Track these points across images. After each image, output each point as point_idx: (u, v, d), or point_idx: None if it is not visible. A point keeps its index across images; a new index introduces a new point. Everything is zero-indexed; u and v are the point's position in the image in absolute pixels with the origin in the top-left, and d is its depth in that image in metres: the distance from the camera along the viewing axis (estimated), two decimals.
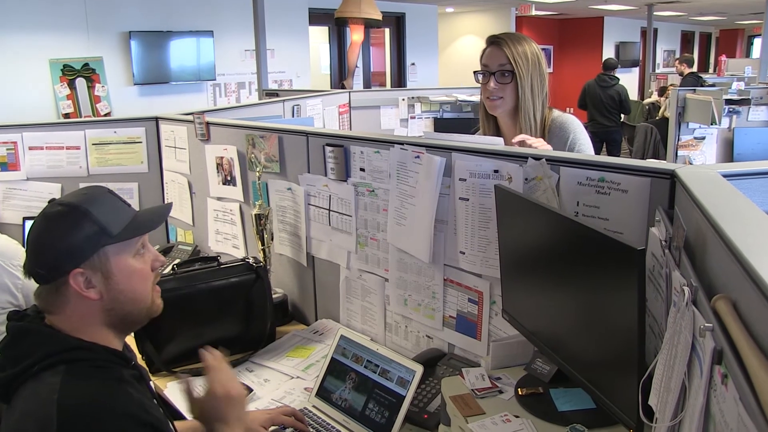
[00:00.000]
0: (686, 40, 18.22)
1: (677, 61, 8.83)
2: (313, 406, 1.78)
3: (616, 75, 8.08)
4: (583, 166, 1.44)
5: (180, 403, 1.83)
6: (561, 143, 2.00)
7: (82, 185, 2.99)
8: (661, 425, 0.92)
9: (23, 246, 2.77)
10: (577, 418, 1.25)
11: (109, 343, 1.26)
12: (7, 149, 3.03)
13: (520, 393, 1.37)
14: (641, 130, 7.32)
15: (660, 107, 7.57)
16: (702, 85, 6.08)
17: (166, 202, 3.09)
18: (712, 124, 3.96)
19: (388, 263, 2.01)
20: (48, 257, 1.21)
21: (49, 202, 1.28)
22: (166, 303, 1.37)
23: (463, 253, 1.74)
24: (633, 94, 13.29)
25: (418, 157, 1.79)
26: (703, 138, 4.16)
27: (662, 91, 8.29)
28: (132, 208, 1.33)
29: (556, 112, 2.07)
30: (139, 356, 1.99)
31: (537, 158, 1.52)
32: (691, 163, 3.91)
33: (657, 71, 13.77)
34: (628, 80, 14.39)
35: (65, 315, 1.23)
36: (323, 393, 1.78)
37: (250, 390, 1.87)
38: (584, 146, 2.01)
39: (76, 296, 1.22)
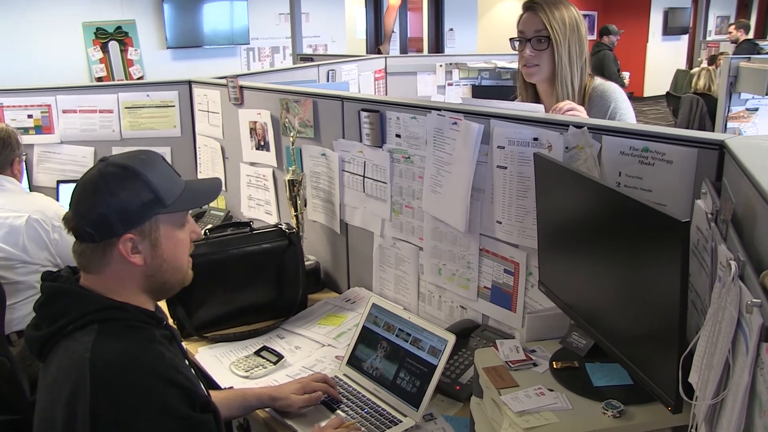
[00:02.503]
0: (743, 4, 17.53)
1: (732, 27, 8.52)
2: (344, 375, 1.80)
3: (605, 42, 7.97)
4: (626, 135, 1.41)
5: (212, 369, 1.87)
6: (601, 112, 1.96)
7: (114, 149, 3.07)
8: (702, 403, 0.91)
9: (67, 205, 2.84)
10: (613, 394, 1.25)
11: (141, 305, 1.28)
12: (42, 112, 3.08)
13: (554, 366, 1.37)
14: (686, 101, 7.12)
15: (696, 77, 7.25)
16: (758, 53, 5.88)
17: (198, 166, 3.12)
18: (767, 95, 3.82)
19: (423, 232, 2.00)
20: (100, 217, 1.21)
21: (100, 160, 1.28)
22: (197, 267, 1.40)
23: (500, 223, 1.73)
24: (681, 63, 12.92)
25: (455, 123, 1.77)
26: (756, 109, 4.03)
27: (712, 60, 8.02)
28: (181, 178, 1.34)
29: (598, 80, 2.03)
30: (170, 320, 2.02)
31: (578, 126, 1.49)
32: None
33: (708, 39, 13.35)
34: (677, 48, 14.00)
35: (103, 276, 1.26)
36: (354, 361, 1.80)
37: (280, 357, 1.90)
38: (626, 115, 1.96)
39: (119, 259, 1.24)
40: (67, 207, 1.27)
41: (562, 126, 1.53)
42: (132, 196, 1.22)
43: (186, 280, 1.36)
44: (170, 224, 1.28)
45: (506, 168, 1.67)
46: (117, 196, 1.22)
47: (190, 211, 1.36)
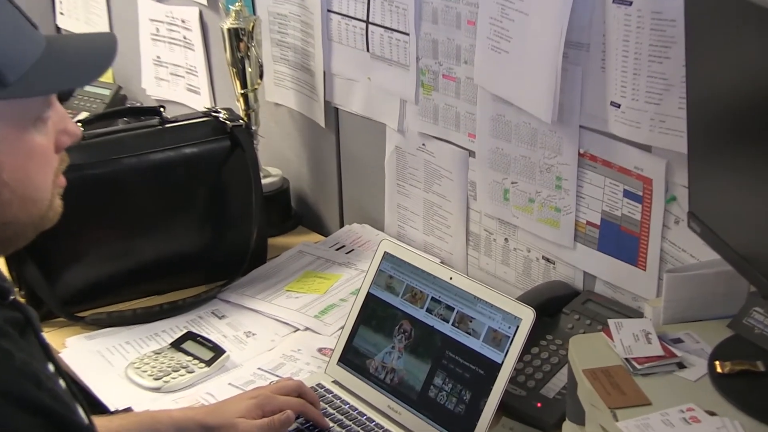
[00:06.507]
0: None
1: None
2: (334, 382, 1.80)
3: None
4: None
5: (94, 376, 1.88)
6: None
7: None
8: None
9: None
10: None
11: None
12: None
13: (719, 370, 1.36)
14: None
15: None
16: None
17: (58, 5, 3.09)
18: None
19: (476, 123, 2.00)
20: None
21: None
22: (66, 194, 1.37)
23: (618, 106, 1.71)
24: None
25: None
26: None
27: None
28: (40, 32, 1.29)
29: None
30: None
31: None
32: None
33: None
34: None
35: None
36: (352, 358, 1.80)
37: (219, 351, 1.91)
38: None
39: None
40: None
41: None
42: None
43: (47, 219, 1.34)
44: (14, 119, 1.23)
45: (630, 4, 1.65)
46: None
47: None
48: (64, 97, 1.37)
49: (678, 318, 1.50)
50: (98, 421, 1.48)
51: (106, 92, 2.92)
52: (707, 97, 1.48)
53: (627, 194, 1.76)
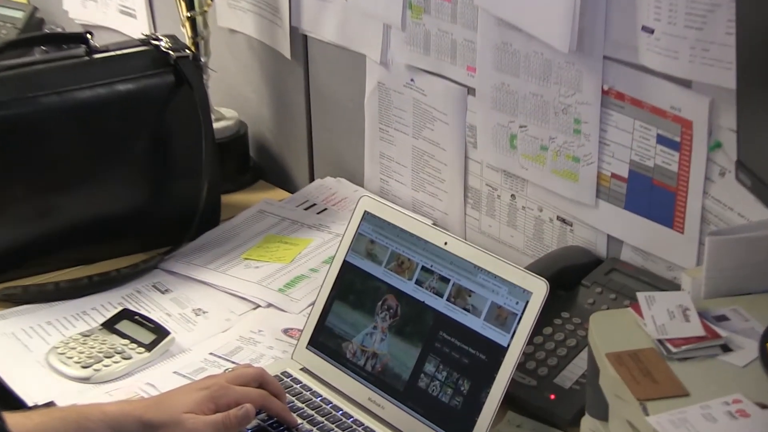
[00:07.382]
0: None
1: None
2: (302, 370, 1.80)
3: None
4: None
5: (7, 364, 1.87)
6: None
7: None
8: None
9: None
10: None
11: None
12: None
13: None
14: None
15: None
16: None
17: None
18: None
19: (477, 53, 1.99)
20: None
21: None
22: None
23: (651, 32, 1.69)
24: None
25: None
26: None
27: None
28: None
29: None
30: None
31: None
32: None
33: None
34: None
35: None
36: (325, 341, 1.80)
37: (162, 332, 1.91)
38: None
39: None
40: None
41: None
42: None
43: None
44: None
45: None
46: None
47: None
48: None
49: (723, 291, 1.49)
50: (13, 418, 1.48)
51: (19, 14, 2.90)
52: (762, 19, 1.46)
53: (661, 140, 1.75)
